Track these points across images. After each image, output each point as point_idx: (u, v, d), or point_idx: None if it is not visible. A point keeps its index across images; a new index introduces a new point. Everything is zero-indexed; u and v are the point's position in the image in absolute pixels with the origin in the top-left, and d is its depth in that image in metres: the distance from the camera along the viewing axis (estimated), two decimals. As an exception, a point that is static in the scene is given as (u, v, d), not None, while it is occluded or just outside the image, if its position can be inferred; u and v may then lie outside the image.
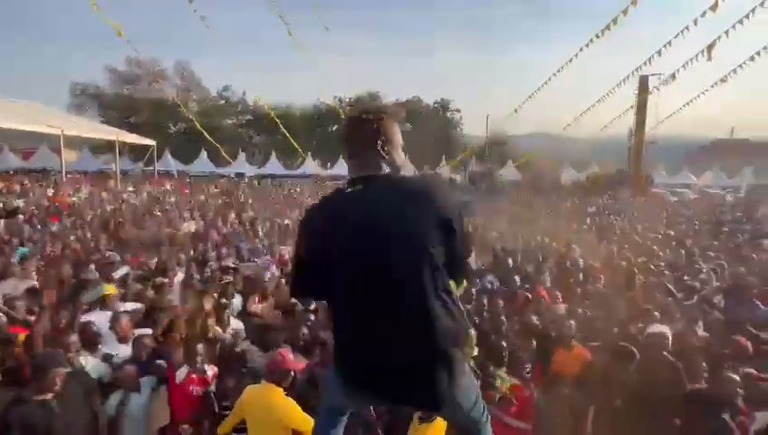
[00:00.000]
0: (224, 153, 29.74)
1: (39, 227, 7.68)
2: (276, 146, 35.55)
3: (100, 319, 3.28)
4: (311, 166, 32.23)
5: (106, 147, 25.71)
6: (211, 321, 3.27)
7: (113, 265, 4.81)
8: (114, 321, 3.17)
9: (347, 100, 40.89)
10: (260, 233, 8.03)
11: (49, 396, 2.46)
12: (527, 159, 32.55)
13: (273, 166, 33.04)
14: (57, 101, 39.01)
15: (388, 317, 1.18)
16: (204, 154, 31.81)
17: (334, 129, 40.35)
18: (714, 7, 7.09)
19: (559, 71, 10.29)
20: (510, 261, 5.92)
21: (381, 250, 1.14)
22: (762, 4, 7.06)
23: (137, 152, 27.68)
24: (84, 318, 3.25)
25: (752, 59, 8.51)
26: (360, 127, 1.25)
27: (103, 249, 5.80)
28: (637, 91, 21.71)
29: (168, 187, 18.99)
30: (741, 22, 7.65)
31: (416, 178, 1.27)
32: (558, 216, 12.14)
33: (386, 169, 1.25)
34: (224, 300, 3.85)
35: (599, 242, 7.68)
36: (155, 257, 5.38)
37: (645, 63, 9.81)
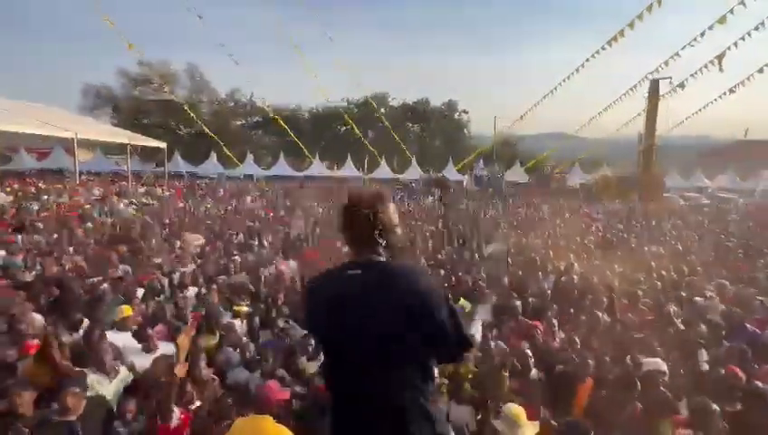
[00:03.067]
0: (231, 155, 30.28)
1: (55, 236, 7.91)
2: (284, 148, 35.84)
3: (116, 341, 3.41)
4: (318, 167, 32.41)
5: (118, 148, 26.16)
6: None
7: (123, 281, 4.99)
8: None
9: (354, 101, 41.01)
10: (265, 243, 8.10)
11: (73, 418, 2.60)
12: (538, 161, 32.33)
13: (282, 167, 33.31)
14: (69, 103, 39.82)
15: (367, 404, 1.26)
16: (213, 156, 32.20)
17: (342, 130, 40.48)
18: (722, 20, 7.07)
19: (571, 75, 10.27)
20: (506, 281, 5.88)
21: (366, 337, 1.23)
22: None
23: (148, 154, 28.13)
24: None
25: (760, 71, 8.44)
26: (357, 217, 1.32)
27: (115, 262, 5.91)
28: (647, 95, 21.48)
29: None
30: (749, 34, 7.59)
31: (407, 266, 1.30)
32: (562, 225, 12.01)
33: (383, 255, 1.33)
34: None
35: (599, 256, 7.62)
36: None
37: (656, 70, 9.85)
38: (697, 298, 5.11)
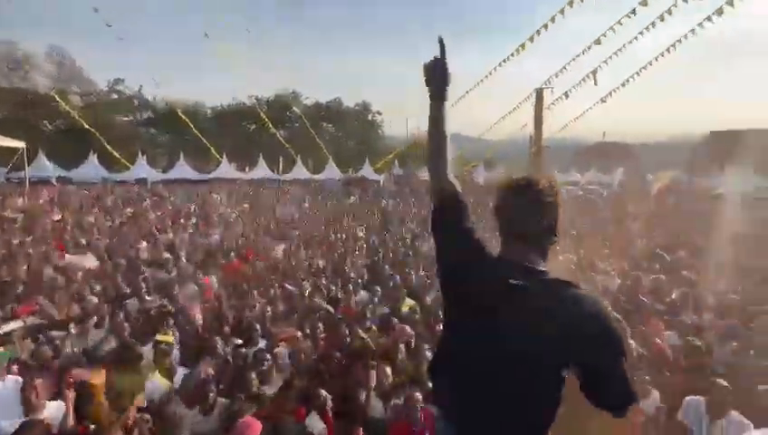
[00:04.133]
0: (118, 156, 26.05)
1: None
2: (184, 147, 32.21)
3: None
4: (226, 169, 29.85)
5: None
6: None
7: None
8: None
9: (265, 99, 38.89)
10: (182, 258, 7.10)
11: None
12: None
13: (182, 169, 29.79)
14: None
15: None
16: (94, 157, 27.37)
17: (251, 129, 38.06)
18: (599, 40, 8.58)
19: (476, 85, 11.22)
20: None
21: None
22: (635, 38, 8.71)
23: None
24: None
25: (623, 85, 10.47)
26: (528, 204, 1.15)
27: None
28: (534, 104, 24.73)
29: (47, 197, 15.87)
30: (618, 51, 9.32)
31: (585, 292, 1.15)
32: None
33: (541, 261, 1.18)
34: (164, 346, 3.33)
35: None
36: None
37: (544, 84, 11.48)
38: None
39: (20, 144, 18.86)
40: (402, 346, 3.83)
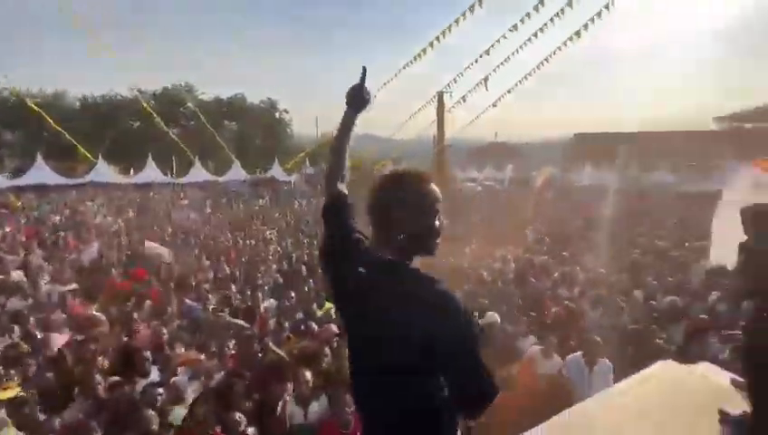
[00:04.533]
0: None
1: None
2: (43, 147, 26.70)
3: None
4: (104, 172, 25.57)
5: None
6: None
7: None
8: None
9: (151, 92, 34.28)
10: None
11: None
12: (360, 160, 35.19)
13: (41, 173, 24.55)
14: None
15: None
16: None
17: (136, 126, 33.32)
18: (488, 51, 9.68)
19: (384, 84, 11.62)
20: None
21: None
22: (519, 48, 10.00)
23: None
24: None
25: (509, 92, 12.01)
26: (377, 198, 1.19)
27: None
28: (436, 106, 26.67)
29: None
30: (505, 62, 10.62)
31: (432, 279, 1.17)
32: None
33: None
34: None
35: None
36: None
37: (444, 88, 12.54)
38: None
39: None
40: (326, 348, 3.74)
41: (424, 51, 9.78)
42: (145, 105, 21.66)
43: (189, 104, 30.01)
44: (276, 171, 30.37)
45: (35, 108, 18.52)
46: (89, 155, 24.49)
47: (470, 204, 17.65)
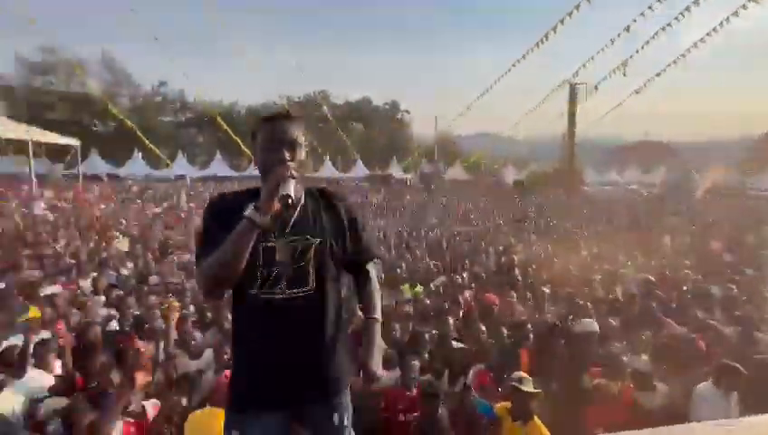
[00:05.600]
0: (160, 154, 27.75)
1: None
2: (220, 146, 33.76)
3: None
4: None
5: (16, 147, 22.63)
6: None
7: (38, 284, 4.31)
8: (41, 347, 2.83)
9: (295, 98, 39.97)
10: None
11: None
12: (476, 159, 34.28)
13: (218, 167, 31.31)
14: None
15: None
16: (138, 155, 29.34)
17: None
18: (627, 29, 8.17)
19: (500, 78, 11.00)
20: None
21: None
22: (663, 28, 8.22)
23: (56, 153, 24.71)
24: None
25: (658, 75, 9.87)
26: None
27: (24, 266, 5.14)
28: (568, 99, 23.87)
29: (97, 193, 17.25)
30: (650, 40, 8.81)
31: None
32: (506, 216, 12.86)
33: None
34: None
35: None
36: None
37: (573, 75, 11.04)
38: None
39: (74, 142, 20.60)
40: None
41: (546, 36, 8.95)
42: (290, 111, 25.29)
43: (324, 108, 33.81)
44: (395, 169, 31.90)
45: (217, 117, 23.85)
46: (248, 153, 30.18)
47: (605, 208, 15.34)
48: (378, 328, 1.31)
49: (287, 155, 1.17)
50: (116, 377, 2.52)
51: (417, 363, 3.08)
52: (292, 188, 1.10)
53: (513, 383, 2.53)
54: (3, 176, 21.30)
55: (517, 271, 5.94)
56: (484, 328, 3.84)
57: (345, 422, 1.29)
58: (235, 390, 1.23)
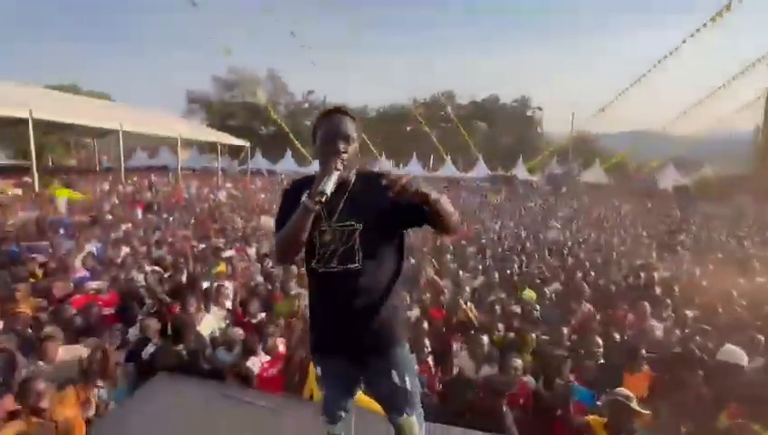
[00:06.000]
0: (306, 153, 32.39)
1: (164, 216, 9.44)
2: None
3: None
4: (385, 165, 33.18)
5: (210, 147, 29.61)
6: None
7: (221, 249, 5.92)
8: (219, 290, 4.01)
9: (422, 100, 41.22)
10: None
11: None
12: (619, 160, 29.58)
13: (347, 165, 34.57)
14: (175, 107, 45.80)
15: None
16: (289, 154, 34.70)
17: (408, 129, 40.93)
18: None
19: (658, 63, 9.37)
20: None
21: None
22: None
23: (233, 152, 31.38)
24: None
25: None
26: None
27: (212, 235, 7.08)
28: None
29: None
30: None
31: None
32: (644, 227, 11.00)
33: None
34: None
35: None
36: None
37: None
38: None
39: (245, 144, 25.91)
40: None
41: (713, 18, 7.27)
42: (414, 112, 26.35)
43: (449, 108, 33.98)
44: (519, 170, 30.00)
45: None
46: (375, 153, 32.61)
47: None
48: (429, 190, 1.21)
49: (341, 147, 1.31)
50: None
51: (519, 362, 3.13)
52: (331, 184, 1.23)
53: (620, 398, 2.39)
54: (200, 170, 28.04)
55: (658, 289, 5.17)
56: (600, 342, 3.60)
57: (407, 383, 1.43)
58: (311, 338, 1.52)
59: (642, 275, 5.70)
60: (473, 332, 3.77)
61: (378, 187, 1.20)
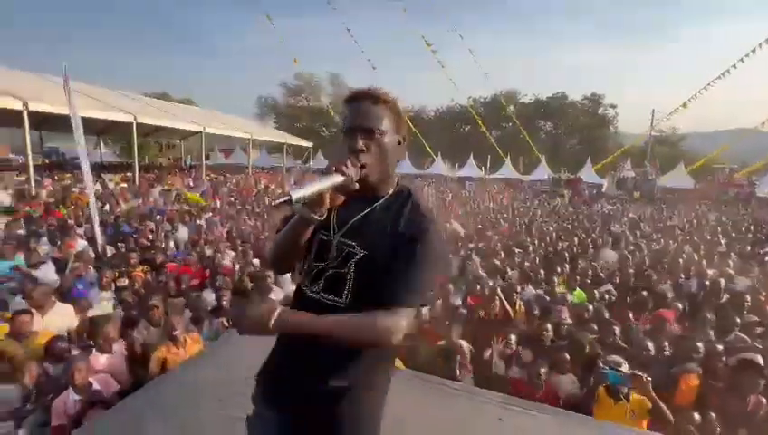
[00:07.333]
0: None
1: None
2: (408, 146, 37.44)
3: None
4: (440, 166, 33.05)
5: (277, 148, 31.97)
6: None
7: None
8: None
9: (481, 99, 40.31)
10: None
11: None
12: (707, 162, 26.39)
13: (403, 166, 34.98)
14: (246, 111, 49.99)
15: None
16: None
17: (466, 129, 40.36)
18: None
19: (745, 57, 8.39)
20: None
21: None
22: None
23: (298, 152, 33.50)
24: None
25: None
26: None
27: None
28: None
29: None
30: None
31: None
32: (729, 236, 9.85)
33: None
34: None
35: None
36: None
37: None
38: None
39: (308, 144, 27.66)
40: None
41: None
42: (473, 112, 26.02)
43: (510, 107, 32.87)
44: (587, 172, 28.04)
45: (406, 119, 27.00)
46: (432, 153, 32.65)
47: None
48: (313, 318, 0.95)
49: (361, 143, 0.99)
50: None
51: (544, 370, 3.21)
52: (314, 189, 0.92)
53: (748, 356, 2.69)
54: (269, 168, 30.39)
55: (725, 297, 4.79)
56: (651, 346, 3.52)
57: None
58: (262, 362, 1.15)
59: (707, 283, 5.30)
60: (508, 328, 3.88)
61: (402, 217, 1.01)
